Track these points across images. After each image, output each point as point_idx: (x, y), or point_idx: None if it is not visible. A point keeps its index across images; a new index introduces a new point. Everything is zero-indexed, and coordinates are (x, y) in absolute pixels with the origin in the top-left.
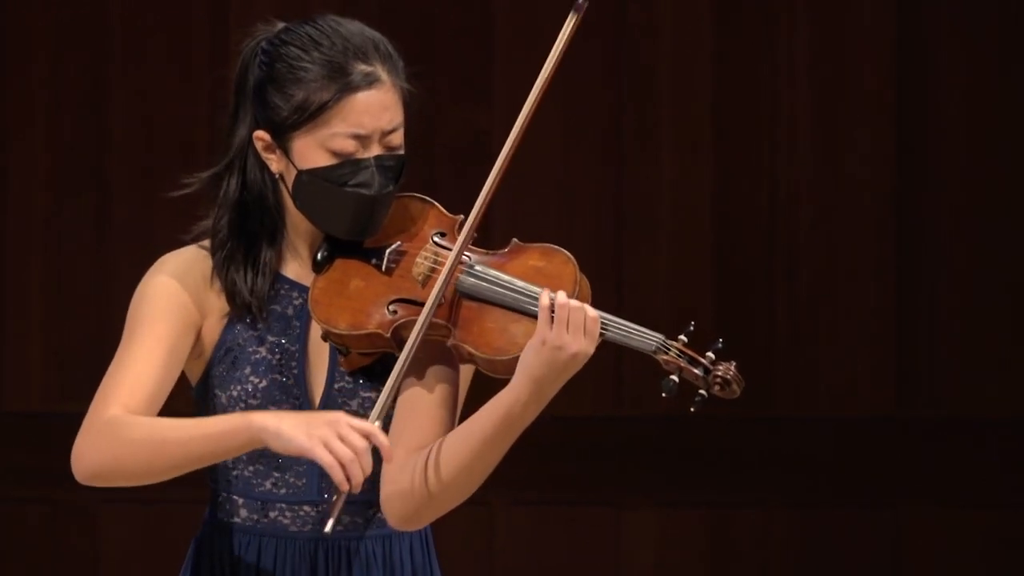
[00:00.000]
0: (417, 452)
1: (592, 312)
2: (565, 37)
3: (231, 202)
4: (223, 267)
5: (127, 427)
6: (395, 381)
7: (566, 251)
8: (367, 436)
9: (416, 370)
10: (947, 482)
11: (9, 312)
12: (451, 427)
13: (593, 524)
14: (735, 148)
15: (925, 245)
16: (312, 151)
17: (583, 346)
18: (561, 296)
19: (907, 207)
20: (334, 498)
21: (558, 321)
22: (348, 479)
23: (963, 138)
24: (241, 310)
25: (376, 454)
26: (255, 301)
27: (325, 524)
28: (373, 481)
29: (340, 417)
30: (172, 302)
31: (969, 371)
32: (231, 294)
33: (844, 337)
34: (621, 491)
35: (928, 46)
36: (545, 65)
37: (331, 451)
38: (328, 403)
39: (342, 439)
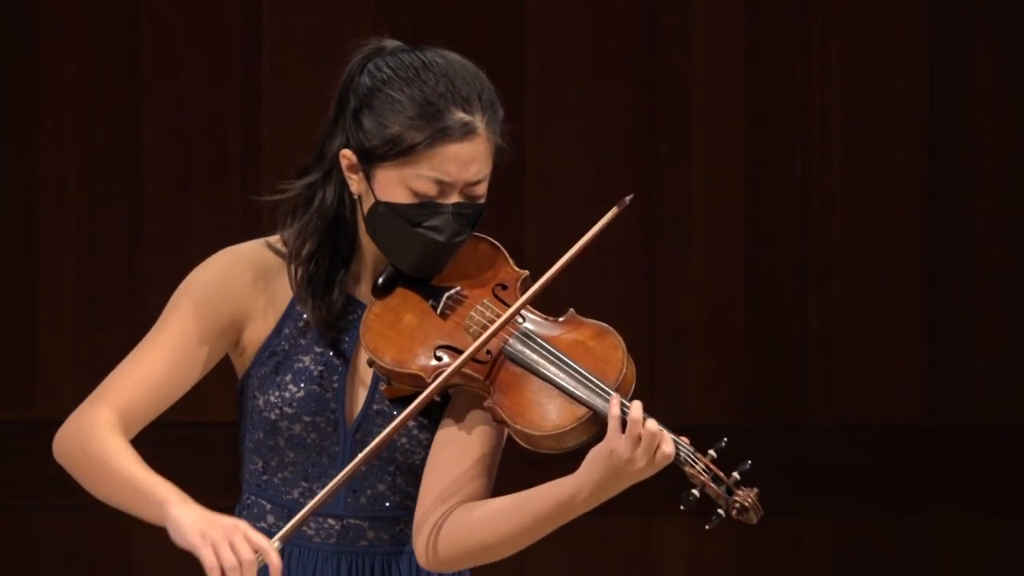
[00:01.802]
0: (452, 499)
1: (667, 445)
2: (601, 225)
3: (323, 212)
4: (305, 276)
5: (95, 440)
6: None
7: (618, 336)
8: (258, 551)
9: (461, 415)
10: (978, 490)
11: (42, 321)
12: (490, 478)
13: (626, 533)
14: (767, 157)
15: (958, 254)
16: (394, 186)
17: (651, 465)
18: (636, 412)
19: (940, 216)
20: None
21: (629, 437)
22: None
23: (996, 146)
24: (318, 325)
25: (412, 474)
26: (329, 313)
27: None
28: (401, 499)
29: (238, 526)
30: (209, 304)
31: (1000, 380)
32: (307, 303)
33: (876, 346)
34: (653, 499)
35: (961, 54)
36: (578, 243)
37: (217, 554)
38: (364, 422)
39: (232, 546)
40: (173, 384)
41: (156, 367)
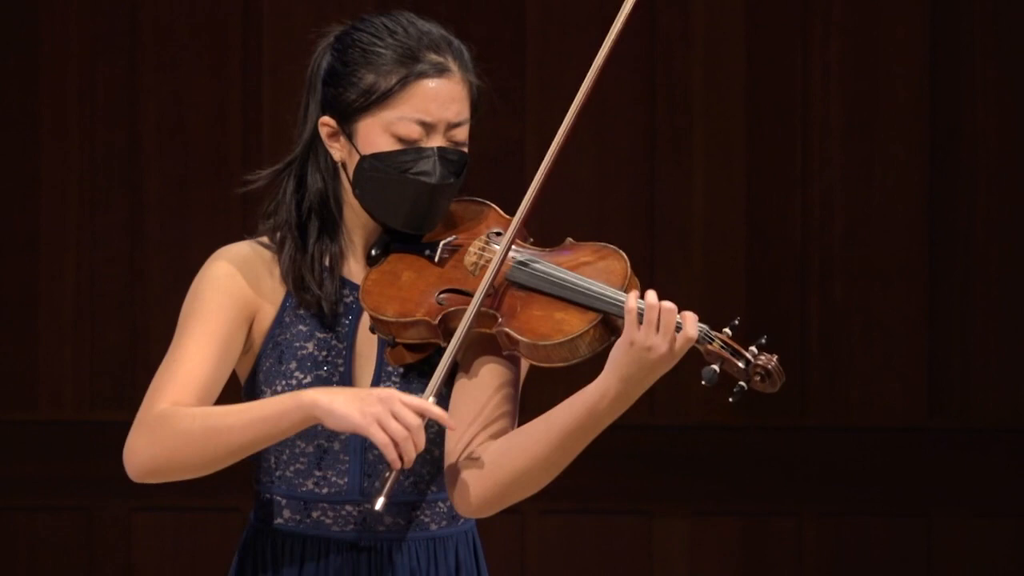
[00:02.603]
0: (479, 439)
1: (688, 326)
2: (622, 19)
3: (294, 198)
4: (290, 264)
5: (179, 419)
6: (446, 364)
7: (620, 250)
8: (421, 412)
9: (475, 360)
10: (978, 490)
11: (42, 322)
12: (513, 417)
13: (626, 533)
14: (768, 156)
15: (958, 254)
16: (376, 135)
17: (671, 352)
18: (651, 297)
19: (940, 216)
20: (387, 474)
21: (647, 323)
22: (401, 457)
23: (996, 146)
24: (312, 305)
25: (426, 452)
26: (325, 298)
27: (375, 502)
28: (415, 481)
29: (393, 394)
30: (228, 294)
31: (1001, 381)
32: (300, 290)
33: (876, 346)
34: (654, 500)
35: (961, 54)
36: (601, 48)
37: (385, 429)
38: None
39: (396, 416)
40: (216, 379)
41: (199, 363)
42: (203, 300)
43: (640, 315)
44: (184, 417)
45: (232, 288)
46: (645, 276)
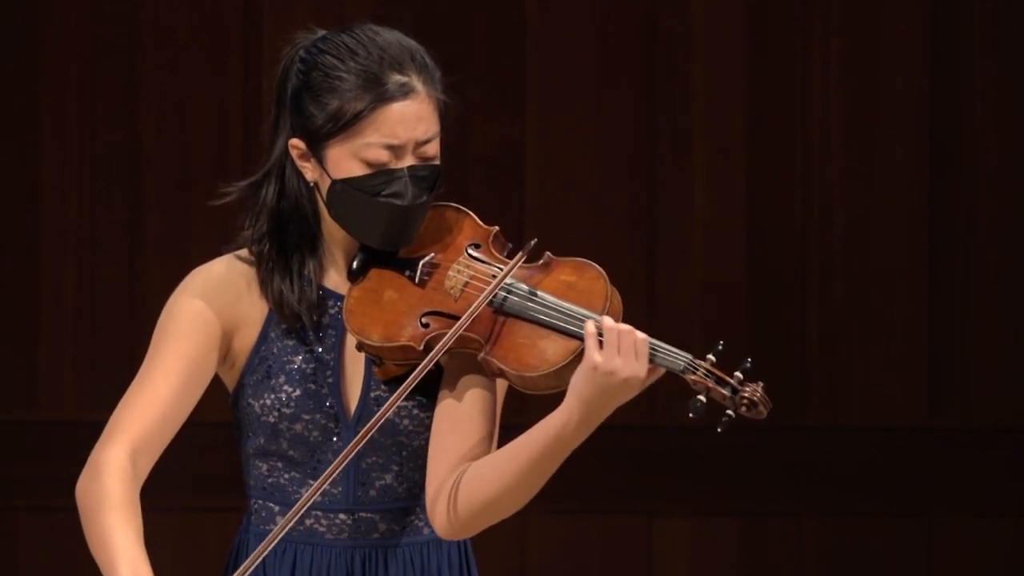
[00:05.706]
0: (458, 464)
1: (640, 335)
2: (512, 269)
3: (269, 211)
4: (268, 278)
5: (92, 489)
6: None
7: (598, 266)
8: None
9: (455, 381)
10: (978, 490)
11: (42, 322)
12: (491, 438)
13: (626, 534)
14: (768, 157)
15: (958, 254)
16: (346, 160)
17: (635, 370)
18: (608, 320)
19: (940, 216)
20: None
21: (608, 345)
22: None
23: (997, 146)
24: (291, 320)
25: (419, 458)
26: (305, 311)
27: None
28: (409, 486)
29: None
30: (196, 321)
31: (1001, 381)
32: (279, 304)
33: (877, 347)
34: (654, 501)
35: (961, 54)
36: (492, 285)
37: None
38: (363, 411)
39: None
40: (180, 408)
41: (162, 395)
42: (172, 326)
43: (600, 339)
44: (94, 490)
45: (204, 310)
46: (645, 278)
